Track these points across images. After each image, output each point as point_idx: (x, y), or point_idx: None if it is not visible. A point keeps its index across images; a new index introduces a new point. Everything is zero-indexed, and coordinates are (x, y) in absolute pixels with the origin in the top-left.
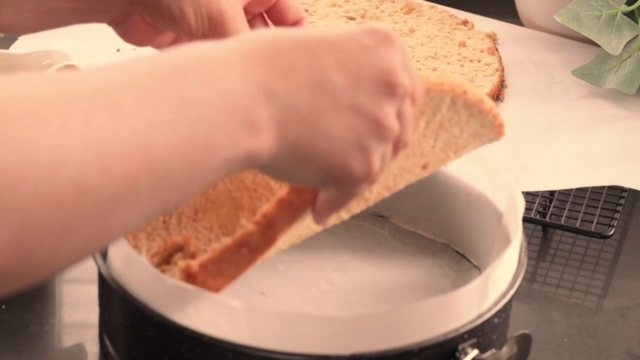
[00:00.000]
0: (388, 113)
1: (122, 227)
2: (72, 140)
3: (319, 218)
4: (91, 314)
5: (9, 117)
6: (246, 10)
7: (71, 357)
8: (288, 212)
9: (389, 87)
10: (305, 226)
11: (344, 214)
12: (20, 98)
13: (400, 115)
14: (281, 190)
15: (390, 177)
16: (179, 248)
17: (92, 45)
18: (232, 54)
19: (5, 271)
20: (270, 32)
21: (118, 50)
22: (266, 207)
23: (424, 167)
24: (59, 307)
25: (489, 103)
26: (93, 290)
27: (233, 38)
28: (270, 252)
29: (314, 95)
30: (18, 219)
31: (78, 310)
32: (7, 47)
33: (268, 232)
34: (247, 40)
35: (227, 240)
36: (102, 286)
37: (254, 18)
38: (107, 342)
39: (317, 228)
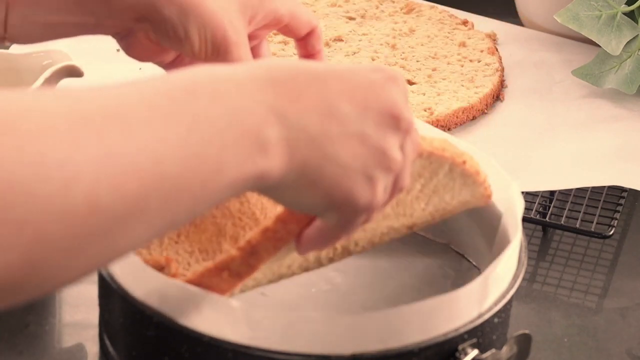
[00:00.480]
0: (393, 145)
1: (130, 244)
2: (84, 156)
3: (305, 246)
4: (91, 314)
5: (22, 131)
6: (255, 35)
7: (71, 357)
8: (272, 241)
9: (393, 120)
10: (287, 266)
11: (325, 261)
12: (33, 113)
13: (402, 150)
14: (266, 220)
15: (378, 234)
16: (160, 268)
17: (93, 45)
18: (243, 75)
19: (15, 283)
20: (280, 60)
21: (118, 50)
22: (251, 234)
23: (410, 227)
24: (59, 307)
25: (483, 175)
26: (93, 290)
27: (243, 63)
28: (250, 282)
29: (322, 119)
30: (30, 233)
31: (78, 310)
32: (7, 47)
33: (250, 259)
34: (257, 64)
35: (208, 263)
36: (102, 286)
37: (262, 42)
38: (107, 342)
39: (297, 270)
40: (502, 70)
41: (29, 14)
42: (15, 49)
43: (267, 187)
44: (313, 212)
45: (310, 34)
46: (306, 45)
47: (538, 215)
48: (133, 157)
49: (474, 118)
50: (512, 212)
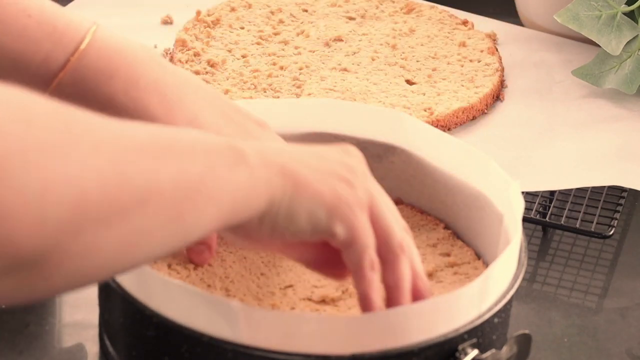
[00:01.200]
0: (347, 159)
1: (149, 239)
2: (102, 135)
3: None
4: (91, 314)
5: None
6: None
7: (71, 357)
8: None
9: (346, 153)
10: None
11: None
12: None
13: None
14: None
15: None
16: None
17: None
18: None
19: (58, 249)
20: None
21: None
22: None
23: None
24: (59, 307)
25: None
26: (93, 290)
27: None
28: None
29: (282, 148)
30: (74, 192)
31: (78, 310)
32: None
33: None
34: None
35: None
36: (102, 286)
37: None
38: (107, 342)
39: None
40: (502, 70)
41: None
42: None
43: (266, 205)
44: (318, 225)
45: None
46: None
47: (538, 215)
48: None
49: (474, 118)
50: (511, 212)
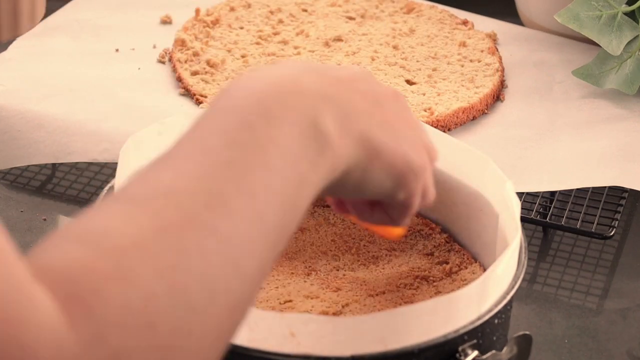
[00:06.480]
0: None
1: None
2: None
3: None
4: None
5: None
6: None
7: None
8: None
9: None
10: None
11: None
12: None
13: None
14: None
15: None
16: None
17: (91, 46)
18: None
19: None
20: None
21: (117, 50)
22: None
23: None
24: None
25: None
26: None
27: None
28: None
29: (360, 95)
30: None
31: None
32: (6, 49)
33: None
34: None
35: None
36: None
37: None
38: None
39: None
40: (503, 70)
41: None
42: (15, 49)
43: (340, 173)
44: (382, 191)
45: None
46: None
47: (538, 216)
48: (242, 236)
49: (474, 118)
50: (509, 212)
